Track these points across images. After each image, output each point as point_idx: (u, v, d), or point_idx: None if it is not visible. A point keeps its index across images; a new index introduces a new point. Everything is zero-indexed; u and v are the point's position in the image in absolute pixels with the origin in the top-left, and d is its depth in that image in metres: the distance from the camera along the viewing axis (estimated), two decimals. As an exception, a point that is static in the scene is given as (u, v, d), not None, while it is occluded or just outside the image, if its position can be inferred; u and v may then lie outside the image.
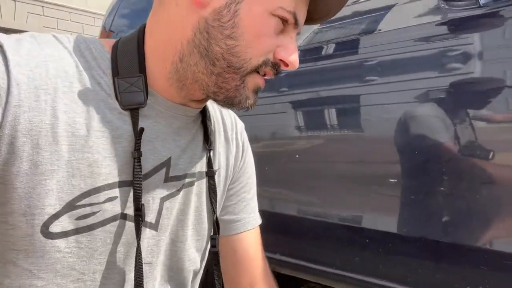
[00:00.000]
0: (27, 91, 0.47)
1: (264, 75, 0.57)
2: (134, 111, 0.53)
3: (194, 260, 0.65)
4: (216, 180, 0.66)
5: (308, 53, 1.35)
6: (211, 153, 0.65)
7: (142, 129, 0.53)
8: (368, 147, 1.22)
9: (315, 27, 1.34)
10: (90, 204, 0.50)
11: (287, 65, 0.55)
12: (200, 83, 0.55)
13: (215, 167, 0.66)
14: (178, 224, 0.62)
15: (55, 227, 0.49)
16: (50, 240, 0.49)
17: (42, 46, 0.51)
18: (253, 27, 0.52)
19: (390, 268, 1.22)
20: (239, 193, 0.73)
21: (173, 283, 0.63)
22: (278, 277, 1.83)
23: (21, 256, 0.49)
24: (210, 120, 0.67)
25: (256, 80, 0.57)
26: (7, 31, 7.27)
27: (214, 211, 0.64)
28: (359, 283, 1.32)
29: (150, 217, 0.57)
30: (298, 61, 0.56)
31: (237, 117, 0.76)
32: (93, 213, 0.51)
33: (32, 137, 0.47)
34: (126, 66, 0.54)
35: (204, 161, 0.65)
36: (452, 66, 0.95)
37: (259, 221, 0.75)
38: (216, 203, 0.65)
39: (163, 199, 0.58)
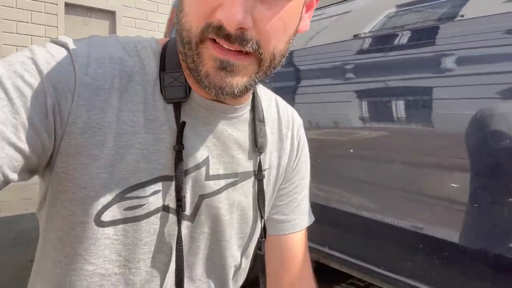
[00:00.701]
0: (91, 91, 0.51)
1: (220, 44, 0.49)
2: (176, 105, 0.55)
3: (235, 257, 0.66)
4: (266, 180, 0.65)
5: (381, 40, 1.27)
6: (261, 155, 0.64)
7: (183, 123, 0.55)
8: (435, 145, 1.13)
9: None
10: (137, 197, 0.53)
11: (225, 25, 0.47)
12: (186, 69, 0.55)
13: (265, 166, 0.65)
14: (224, 224, 0.62)
15: (106, 216, 0.52)
16: (101, 228, 0.53)
17: (104, 47, 0.55)
18: None
19: (443, 277, 1.13)
20: (290, 194, 0.71)
21: (214, 277, 0.64)
22: (323, 269, 1.82)
23: (76, 241, 0.53)
24: (262, 121, 0.65)
25: (209, 51, 0.48)
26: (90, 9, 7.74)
27: (262, 216, 0.64)
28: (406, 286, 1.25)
29: (188, 211, 0.58)
30: (235, 17, 0.44)
31: (295, 113, 0.73)
32: (140, 206, 0.54)
33: (92, 133, 0.51)
34: (170, 62, 0.56)
35: (251, 162, 0.63)
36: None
37: (308, 222, 0.73)
38: (264, 207, 0.64)
39: (203, 197, 0.59)
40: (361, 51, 1.32)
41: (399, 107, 1.25)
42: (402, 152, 1.25)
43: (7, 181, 0.46)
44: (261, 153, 0.63)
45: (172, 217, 0.56)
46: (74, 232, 0.53)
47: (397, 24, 1.23)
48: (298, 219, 0.71)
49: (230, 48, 0.47)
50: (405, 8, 1.21)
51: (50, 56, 0.50)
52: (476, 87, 0.97)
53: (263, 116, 0.66)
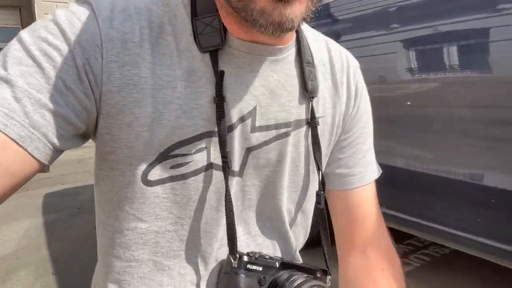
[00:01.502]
0: (119, 46, 0.48)
1: None
2: (213, 53, 0.51)
3: (290, 211, 0.63)
4: (321, 129, 0.60)
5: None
6: (313, 100, 0.59)
7: (222, 72, 0.51)
8: (495, 92, 1.03)
9: None
10: (182, 155, 0.52)
11: None
12: (231, 8, 0.48)
13: (318, 114, 0.60)
14: (275, 176, 0.59)
15: (153, 175, 0.52)
16: (149, 187, 0.52)
17: None
18: None
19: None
20: (353, 145, 0.65)
21: (275, 233, 0.62)
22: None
23: (126, 202, 0.53)
24: (312, 63, 0.59)
25: None
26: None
27: (318, 166, 0.59)
28: (474, 244, 1.19)
29: (236, 166, 0.56)
30: None
31: (350, 56, 0.66)
32: (186, 163, 0.52)
33: (129, 91, 0.48)
34: (202, 5, 0.52)
35: (302, 108, 0.58)
36: None
37: (376, 174, 0.67)
38: (320, 157, 0.59)
39: (249, 150, 0.56)
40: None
41: (454, 54, 1.16)
42: (461, 101, 1.16)
43: (57, 149, 0.45)
44: (312, 98, 0.58)
45: (220, 174, 0.54)
46: (124, 193, 0.53)
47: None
48: (365, 171, 0.66)
49: None
50: None
51: (72, 14, 0.47)
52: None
53: (312, 58, 0.60)
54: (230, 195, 0.53)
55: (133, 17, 0.49)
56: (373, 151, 0.68)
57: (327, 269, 0.58)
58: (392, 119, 1.40)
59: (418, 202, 1.39)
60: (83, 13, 0.48)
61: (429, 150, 1.31)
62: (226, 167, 0.53)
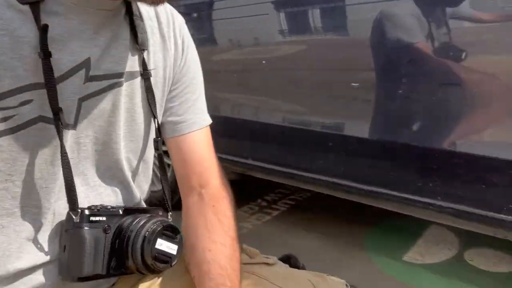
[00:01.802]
0: None
1: None
2: (34, 5, 0.49)
3: (129, 160, 0.65)
4: (153, 81, 0.62)
5: None
6: (145, 53, 0.61)
7: (45, 26, 0.49)
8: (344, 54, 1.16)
9: None
10: (5, 108, 0.50)
11: None
12: None
13: (150, 67, 0.62)
14: (110, 126, 0.59)
15: None
16: None
17: None
18: None
19: (353, 169, 1.24)
20: (182, 94, 0.69)
21: (115, 182, 0.63)
22: (251, 181, 1.90)
23: None
24: (140, 17, 0.61)
25: None
26: None
27: (153, 114, 0.62)
28: (329, 185, 1.35)
29: (69, 118, 0.55)
30: None
31: (175, 11, 0.69)
32: (10, 117, 0.50)
33: None
34: None
35: (134, 60, 0.60)
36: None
37: (207, 122, 0.72)
38: (155, 106, 0.62)
39: (82, 99, 0.55)
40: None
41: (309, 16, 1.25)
42: (312, 62, 1.27)
43: None
44: (143, 50, 0.61)
45: (52, 128, 0.53)
46: None
47: None
48: (195, 118, 0.70)
49: None
50: None
51: None
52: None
53: (140, 12, 0.62)
54: (65, 148, 0.52)
55: None
56: (203, 100, 0.72)
57: (168, 207, 0.62)
58: (251, 76, 1.48)
59: (278, 152, 1.51)
60: None
61: (283, 103, 1.42)
62: (58, 120, 0.51)
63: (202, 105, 0.72)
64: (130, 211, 0.56)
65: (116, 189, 0.63)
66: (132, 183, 0.65)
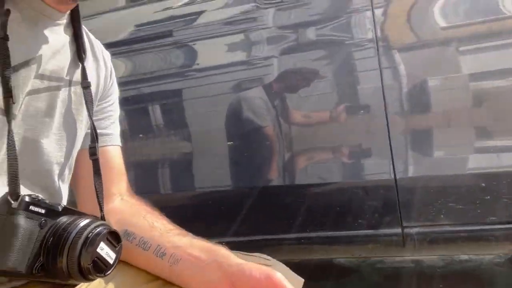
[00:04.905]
0: None
1: None
2: None
3: (61, 164, 0.65)
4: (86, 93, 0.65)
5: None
6: (84, 66, 0.65)
7: (8, 10, 0.52)
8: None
9: None
10: None
11: None
12: None
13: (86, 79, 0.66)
14: (43, 126, 0.61)
15: None
16: None
17: None
18: None
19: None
20: (107, 110, 0.74)
21: (40, 186, 0.62)
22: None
23: None
24: (82, 34, 0.67)
25: None
26: None
27: (91, 118, 0.64)
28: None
29: (15, 109, 0.55)
30: None
31: (103, 46, 0.77)
32: None
33: None
34: None
35: (74, 70, 0.64)
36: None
37: (120, 143, 0.76)
38: (92, 112, 0.65)
39: (27, 94, 0.57)
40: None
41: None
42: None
43: None
44: (83, 61, 0.65)
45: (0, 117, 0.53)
46: None
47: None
48: (115, 134, 0.75)
49: None
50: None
51: None
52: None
53: (82, 32, 0.67)
54: (13, 138, 0.51)
55: None
56: (118, 124, 0.77)
57: (101, 212, 0.60)
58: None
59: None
60: None
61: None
62: (9, 107, 0.51)
63: (118, 127, 0.77)
64: (69, 210, 0.53)
65: (39, 193, 0.59)
66: (57, 189, 0.65)
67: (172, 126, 1.36)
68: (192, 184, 1.31)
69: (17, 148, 0.54)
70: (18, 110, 0.56)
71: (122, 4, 1.52)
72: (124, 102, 1.29)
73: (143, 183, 1.32)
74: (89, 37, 0.72)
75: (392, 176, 1.13)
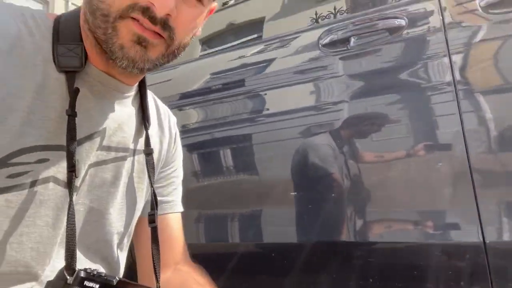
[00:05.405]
0: None
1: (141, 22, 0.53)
2: (70, 74, 0.55)
3: (121, 234, 0.65)
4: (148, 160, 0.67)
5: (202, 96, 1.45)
6: (149, 134, 0.67)
7: (77, 89, 0.54)
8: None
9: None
10: (22, 163, 0.51)
11: (154, 6, 0.52)
12: (95, 39, 0.55)
13: (150, 147, 0.67)
14: (108, 197, 0.61)
15: None
16: None
17: None
18: None
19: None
20: (169, 177, 0.74)
21: (99, 256, 0.63)
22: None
23: None
24: (147, 106, 0.68)
25: (130, 27, 0.52)
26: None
27: (152, 186, 0.65)
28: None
29: (77, 181, 0.57)
30: (168, 4, 0.51)
31: (169, 110, 0.78)
32: (25, 172, 0.51)
33: None
34: (66, 34, 0.56)
35: (139, 140, 0.66)
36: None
37: (182, 208, 0.77)
38: (154, 179, 0.65)
39: (90, 166, 0.58)
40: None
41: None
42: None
43: None
44: (147, 130, 0.66)
45: (60, 189, 0.54)
46: None
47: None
48: (176, 201, 0.75)
49: (150, 28, 0.52)
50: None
51: None
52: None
53: (147, 102, 0.69)
54: (73, 210, 0.52)
55: None
56: (181, 189, 0.77)
57: (158, 285, 0.60)
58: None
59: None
60: None
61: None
62: (72, 181, 0.52)
63: (180, 192, 0.77)
64: (124, 283, 0.52)
65: (98, 263, 0.62)
66: (115, 259, 0.65)
67: (239, 171, 1.35)
68: (255, 233, 1.26)
69: (82, 218, 0.58)
70: (83, 181, 0.57)
71: (197, 56, 1.58)
72: (192, 147, 1.35)
73: (207, 230, 1.31)
74: (156, 104, 0.74)
75: (480, 238, 0.97)
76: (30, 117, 0.51)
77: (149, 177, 0.65)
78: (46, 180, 0.53)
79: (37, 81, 0.53)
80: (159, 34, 0.54)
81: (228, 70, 1.44)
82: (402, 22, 1.07)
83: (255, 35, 1.48)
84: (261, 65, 1.36)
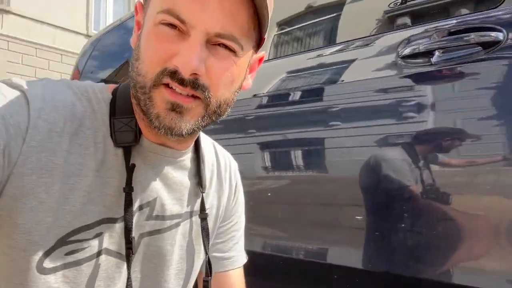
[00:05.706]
0: (43, 134, 0.51)
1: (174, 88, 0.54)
2: (126, 149, 0.57)
3: None
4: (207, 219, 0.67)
5: (276, 99, 1.44)
6: (204, 195, 0.66)
7: (133, 165, 0.57)
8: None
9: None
10: (80, 241, 0.53)
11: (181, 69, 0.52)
12: (142, 112, 0.56)
13: (207, 206, 0.67)
14: (164, 264, 0.62)
15: (48, 263, 0.51)
16: (43, 276, 0.51)
17: (57, 91, 0.56)
18: (145, 43, 0.54)
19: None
20: (229, 231, 0.74)
21: None
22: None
23: None
24: (203, 163, 0.68)
25: (163, 95, 0.53)
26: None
27: (206, 253, 0.65)
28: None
29: (124, 251, 0.57)
30: (190, 64, 0.50)
31: (231, 157, 0.77)
32: (82, 249, 0.53)
33: (41, 175, 0.51)
34: (121, 107, 0.58)
35: (194, 202, 0.66)
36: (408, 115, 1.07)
37: (245, 259, 0.76)
38: (208, 245, 0.66)
39: (142, 236, 0.59)
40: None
41: (298, 156, 1.40)
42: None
43: None
44: (203, 192, 0.66)
45: (113, 260, 0.56)
46: (14, 280, 0.51)
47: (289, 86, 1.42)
48: (237, 256, 0.74)
49: (182, 92, 0.52)
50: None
51: (3, 97, 0.50)
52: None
53: (204, 160, 0.68)
54: (131, 281, 0.54)
55: (59, 110, 0.53)
56: (243, 238, 0.76)
57: None
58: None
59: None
60: (14, 97, 0.51)
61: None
62: (130, 253, 0.54)
63: (242, 243, 0.76)
64: None
65: None
66: None
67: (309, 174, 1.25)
68: (320, 252, 1.17)
69: (137, 286, 0.59)
70: (137, 251, 0.58)
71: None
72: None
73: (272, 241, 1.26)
74: (216, 153, 0.73)
75: None
76: (90, 195, 0.53)
77: (204, 244, 0.65)
78: (99, 253, 0.55)
79: (98, 158, 0.55)
80: (194, 96, 0.53)
81: (304, 70, 1.36)
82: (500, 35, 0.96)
83: (335, 15, 1.38)
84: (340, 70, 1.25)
